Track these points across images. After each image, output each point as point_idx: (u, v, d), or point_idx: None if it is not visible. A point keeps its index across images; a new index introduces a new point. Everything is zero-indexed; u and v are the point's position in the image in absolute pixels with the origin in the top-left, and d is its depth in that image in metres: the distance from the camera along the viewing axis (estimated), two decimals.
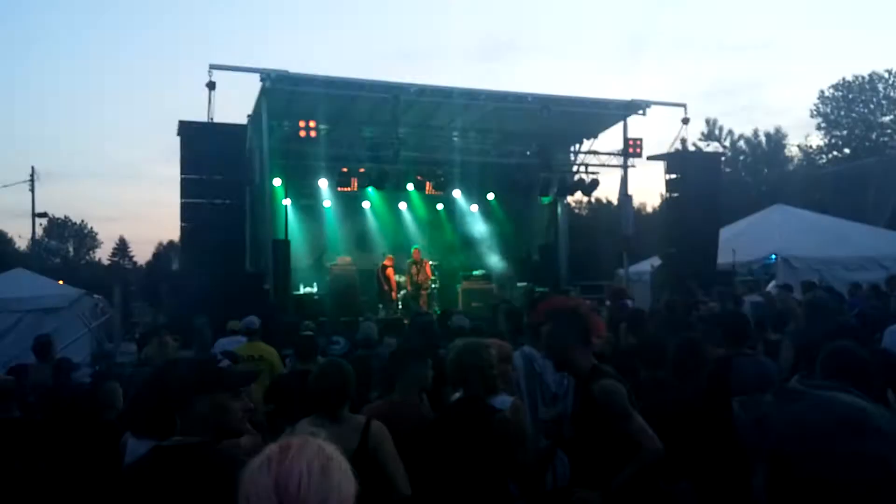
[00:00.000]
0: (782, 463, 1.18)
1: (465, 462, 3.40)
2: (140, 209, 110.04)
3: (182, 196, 11.40)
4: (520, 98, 15.20)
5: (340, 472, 1.32)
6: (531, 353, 4.82)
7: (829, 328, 5.31)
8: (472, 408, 3.56)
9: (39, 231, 43.52)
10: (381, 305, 16.14)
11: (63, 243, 65.30)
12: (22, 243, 50.05)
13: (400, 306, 15.89)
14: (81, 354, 11.20)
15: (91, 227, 66.55)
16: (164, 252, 45.99)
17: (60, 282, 18.73)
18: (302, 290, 16.02)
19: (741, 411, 1.33)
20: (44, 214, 35.89)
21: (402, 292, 16.25)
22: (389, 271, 16.21)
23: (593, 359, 3.54)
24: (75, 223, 65.31)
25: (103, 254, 66.55)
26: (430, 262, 17.53)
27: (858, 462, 1.13)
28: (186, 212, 11.47)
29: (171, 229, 72.87)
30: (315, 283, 16.64)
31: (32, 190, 32.19)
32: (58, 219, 60.73)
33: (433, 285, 16.96)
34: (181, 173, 11.36)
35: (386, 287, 16.19)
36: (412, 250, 16.77)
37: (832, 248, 15.25)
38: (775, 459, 1.19)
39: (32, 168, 32.54)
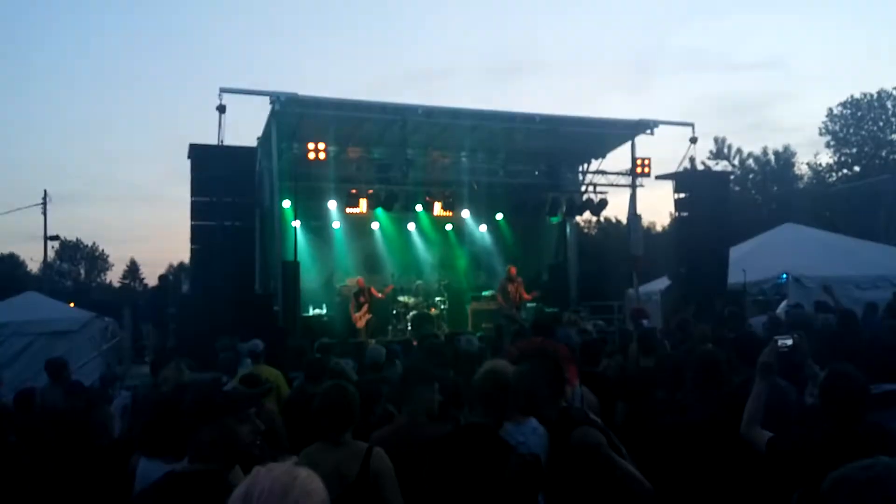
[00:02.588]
0: None
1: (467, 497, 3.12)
2: (151, 232, 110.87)
3: (192, 218, 11.40)
4: (528, 118, 15.23)
5: (301, 492, 1.54)
6: None
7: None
8: (481, 438, 3.21)
9: (51, 254, 43.85)
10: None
11: (74, 266, 65.67)
12: (34, 266, 50.36)
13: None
14: (92, 377, 11.22)
15: (102, 250, 67.10)
16: (172, 274, 46.07)
17: (71, 304, 18.85)
18: (311, 312, 16.00)
19: None
20: (56, 237, 36.15)
21: (412, 313, 16.16)
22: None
23: (563, 402, 3.43)
24: (87, 246, 65.82)
25: (114, 276, 66.94)
26: (444, 282, 17.49)
27: None
28: (196, 234, 11.48)
29: (181, 251, 73.19)
30: (324, 305, 16.63)
31: (45, 213, 32.53)
32: (69, 241, 61.13)
33: (442, 306, 16.90)
34: (191, 196, 11.38)
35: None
36: (508, 268, 15.93)
37: (844, 266, 15.09)
38: None
39: (45, 191, 32.91)
